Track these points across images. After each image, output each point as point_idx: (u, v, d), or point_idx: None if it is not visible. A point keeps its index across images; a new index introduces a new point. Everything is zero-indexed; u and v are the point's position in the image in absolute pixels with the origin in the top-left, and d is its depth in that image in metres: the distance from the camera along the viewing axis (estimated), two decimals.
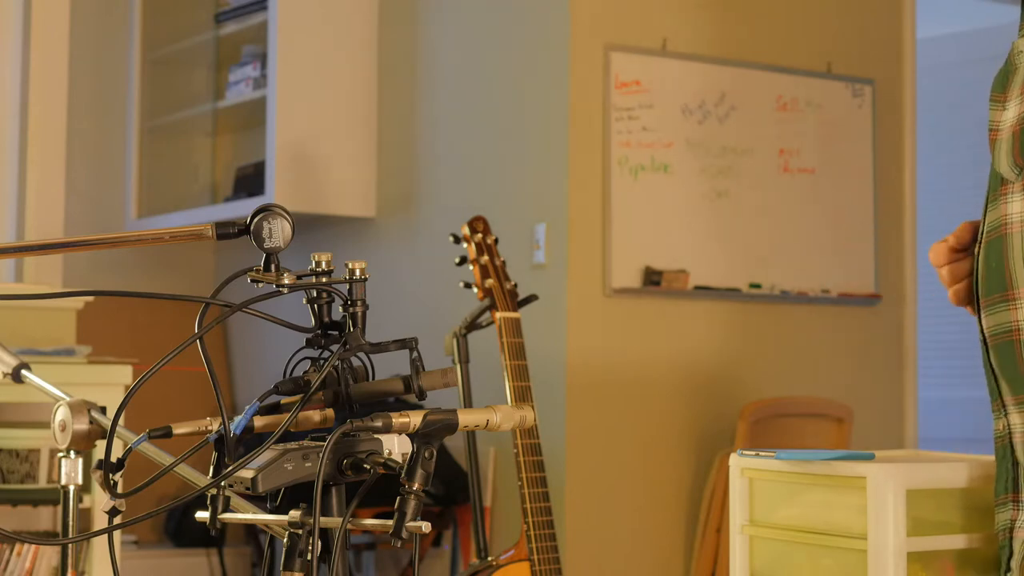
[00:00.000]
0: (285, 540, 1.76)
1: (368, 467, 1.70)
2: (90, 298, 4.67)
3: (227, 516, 1.76)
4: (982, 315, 1.98)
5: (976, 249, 2.01)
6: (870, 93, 4.99)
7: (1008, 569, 1.98)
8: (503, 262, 3.62)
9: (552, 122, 4.49)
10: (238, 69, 5.50)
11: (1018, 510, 1.97)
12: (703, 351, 4.62)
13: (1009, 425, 1.96)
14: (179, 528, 5.53)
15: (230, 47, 5.63)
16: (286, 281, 1.73)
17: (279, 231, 1.72)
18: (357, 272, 1.79)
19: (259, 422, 1.78)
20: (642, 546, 4.48)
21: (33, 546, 3.96)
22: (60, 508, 2.30)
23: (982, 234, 2.00)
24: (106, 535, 1.72)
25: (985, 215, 2.00)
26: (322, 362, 1.78)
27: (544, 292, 4.16)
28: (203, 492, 1.72)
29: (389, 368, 2.05)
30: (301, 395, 1.76)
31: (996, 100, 2.01)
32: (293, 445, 1.72)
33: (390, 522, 1.68)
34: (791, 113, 4.82)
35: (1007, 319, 1.92)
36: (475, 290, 3.59)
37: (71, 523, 2.29)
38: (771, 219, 4.76)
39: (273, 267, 1.73)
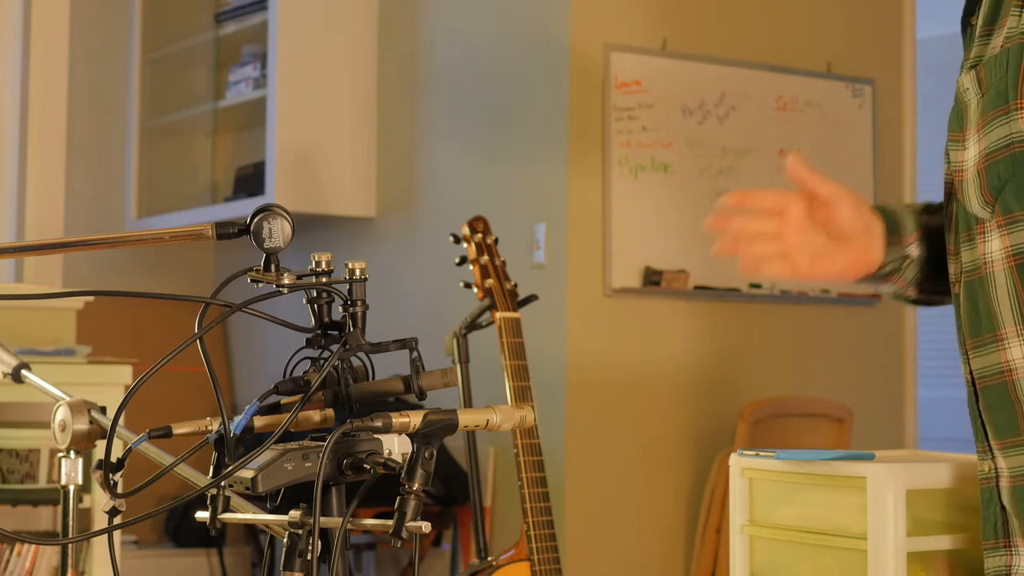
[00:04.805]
0: (285, 540, 1.76)
1: (368, 467, 1.70)
2: (90, 298, 4.67)
3: (227, 516, 1.76)
4: (970, 357, 1.93)
5: (955, 290, 1.97)
6: (870, 93, 4.99)
7: None
8: (503, 262, 3.62)
9: (552, 122, 4.49)
10: (238, 69, 5.50)
11: (1011, 555, 1.94)
12: (703, 351, 4.62)
13: (996, 469, 1.93)
14: (179, 528, 5.53)
15: (230, 47, 5.63)
16: (286, 281, 1.73)
17: (279, 231, 1.72)
18: (357, 272, 1.78)
19: (259, 422, 1.78)
20: (642, 546, 4.48)
21: (33, 546, 3.96)
22: (60, 508, 2.30)
23: (960, 275, 1.95)
24: (106, 535, 1.72)
25: (959, 256, 1.96)
26: (322, 362, 1.78)
27: (544, 292, 4.16)
28: (203, 492, 1.71)
29: (389, 368, 2.04)
30: (301, 395, 1.76)
31: (955, 140, 1.97)
32: (293, 445, 1.72)
33: (390, 522, 1.68)
34: (791, 113, 4.82)
35: (996, 360, 1.88)
36: (475, 290, 3.59)
37: (71, 523, 2.29)
38: None
39: (273, 267, 1.73)
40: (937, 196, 2.09)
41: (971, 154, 1.91)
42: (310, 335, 1.79)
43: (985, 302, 1.89)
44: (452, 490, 4.60)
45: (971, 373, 1.93)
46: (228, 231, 1.73)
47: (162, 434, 1.75)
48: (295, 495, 1.75)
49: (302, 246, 4.72)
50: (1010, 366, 1.86)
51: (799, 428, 4.64)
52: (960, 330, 1.96)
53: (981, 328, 1.90)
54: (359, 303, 1.78)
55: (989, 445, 1.92)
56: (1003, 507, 1.93)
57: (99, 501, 3.93)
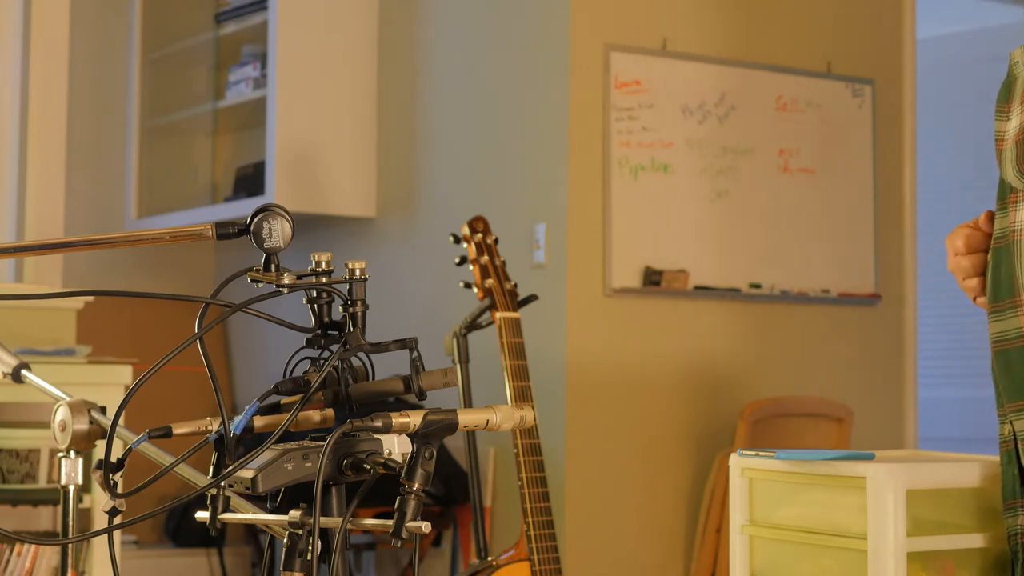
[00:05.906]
0: (285, 540, 1.76)
1: (368, 467, 1.70)
2: (90, 298, 4.67)
3: (227, 516, 1.76)
4: (990, 321, 1.99)
5: (988, 256, 2.03)
6: (870, 93, 4.99)
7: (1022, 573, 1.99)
8: (503, 262, 3.62)
9: (552, 122, 4.49)
10: (238, 69, 5.50)
11: None
12: (703, 351, 4.62)
13: (1014, 431, 1.97)
14: (179, 528, 5.53)
15: (230, 47, 5.63)
16: (286, 281, 1.73)
17: (279, 231, 1.72)
18: (357, 272, 1.79)
19: (259, 422, 1.78)
20: (642, 546, 4.48)
21: (33, 546, 3.96)
22: (60, 508, 2.30)
23: (991, 241, 2.01)
24: (106, 535, 1.72)
25: (994, 223, 2.03)
26: (322, 362, 1.78)
27: (544, 292, 4.16)
28: (203, 492, 1.72)
29: (389, 368, 2.05)
30: (301, 395, 1.76)
31: (1000, 111, 2.03)
32: (293, 445, 1.72)
33: (390, 522, 1.68)
34: (791, 113, 4.82)
35: (1016, 325, 1.93)
36: (475, 290, 3.59)
37: (71, 523, 2.29)
38: (771, 219, 4.76)
39: (273, 267, 1.73)
40: (937, 196, 2.13)
41: (1013, 124, 1.98)
42: (310, 335, 1.79)
43: (1008, 268, 1.94)
44: (452, 490, 4.60)
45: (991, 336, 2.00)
46: (228, 231, 1.74)
47: (162, 434, 1.76)
48: (295, 495, 1.75)
49: (302, 246, 4.72)
50: None
51: (799, 428, 4.64)
52: (988, 294, 2.01)
53: (1001, 293, 1.96)
54: (359, 303, 1.78)
55: (1006, 408, 1.98)
56: (1021, 468, 1.98)
57: (99, 501, 3.93)
